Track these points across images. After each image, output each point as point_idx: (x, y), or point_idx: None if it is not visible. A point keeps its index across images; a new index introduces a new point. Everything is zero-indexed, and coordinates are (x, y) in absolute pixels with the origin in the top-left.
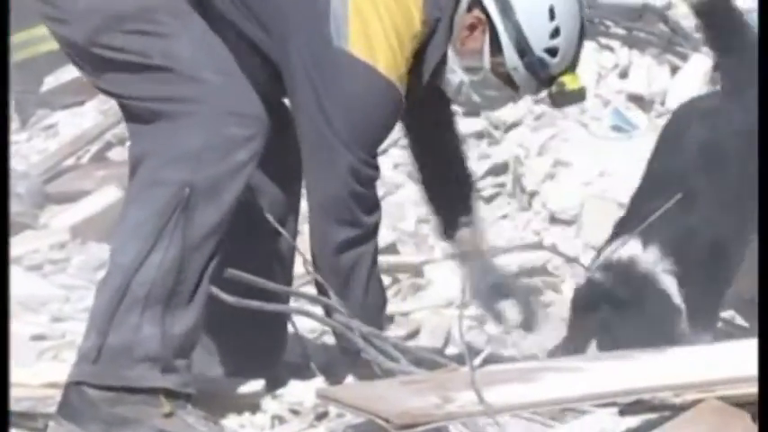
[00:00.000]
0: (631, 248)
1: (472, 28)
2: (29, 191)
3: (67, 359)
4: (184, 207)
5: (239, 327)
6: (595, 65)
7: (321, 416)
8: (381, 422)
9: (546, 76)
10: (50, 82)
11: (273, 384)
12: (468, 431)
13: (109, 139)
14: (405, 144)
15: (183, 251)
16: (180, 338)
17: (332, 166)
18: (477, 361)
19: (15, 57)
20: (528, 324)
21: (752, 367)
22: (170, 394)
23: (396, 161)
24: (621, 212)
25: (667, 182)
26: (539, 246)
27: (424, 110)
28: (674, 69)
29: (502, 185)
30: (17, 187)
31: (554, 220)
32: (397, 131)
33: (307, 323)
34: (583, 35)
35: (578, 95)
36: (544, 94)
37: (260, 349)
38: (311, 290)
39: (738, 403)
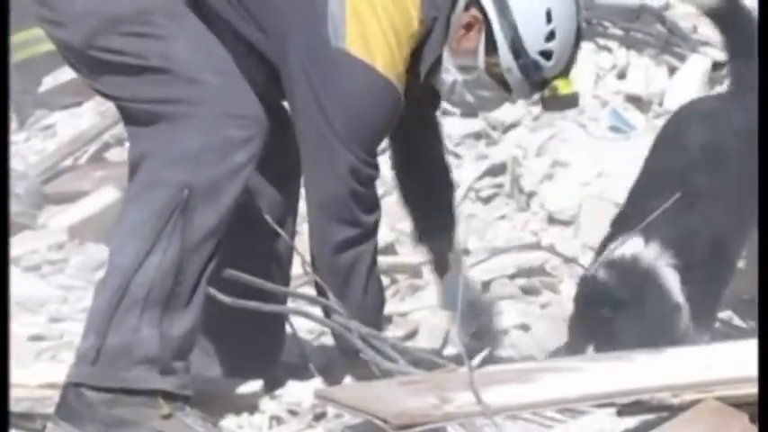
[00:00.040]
0: (633, 246)
1: (468, 27)
2: (27, 191)
3: (65, 360)
4: (183, 208)
5: (237, 328)
6: (593, 65)
7: (319, 416)
8: (379, 422)
9: (539, 79)
10: (49, 82)
11: (272, 385)
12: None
13: (107, 140)
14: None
15: (182, 252)
16: (178, 340)
17: (331, 165)
18: (476, 362)
19: (14, 57)
20: (488, 341)
21: (750, 368)
22: (168, 396)
23: None
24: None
25: (667, 180)
26: (537, 246)
27: (409, 111)
28: (672, 70)
29: (500, 186)
30: (15, 187)
31: (552, 220)
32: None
33: (305, 324)
34: (579, 40)
35: (571, 101)
36: (537, 97)
37: (258, 350)
38: (309, 290)
39: (736, 404)
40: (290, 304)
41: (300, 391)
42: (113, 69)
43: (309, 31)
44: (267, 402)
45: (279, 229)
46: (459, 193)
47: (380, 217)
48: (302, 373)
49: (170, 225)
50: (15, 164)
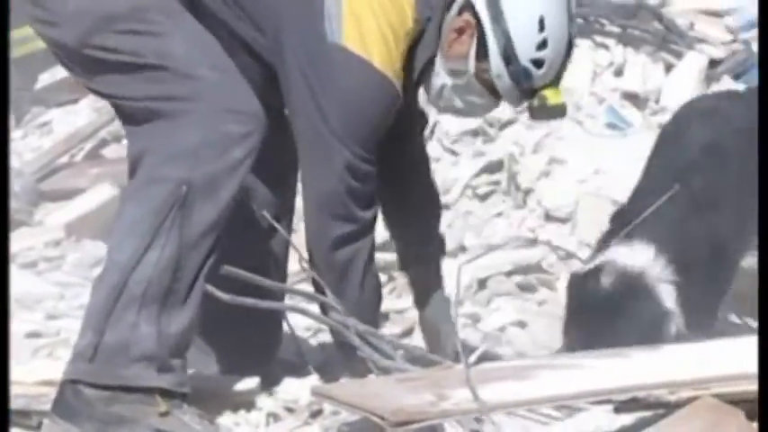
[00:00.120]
0: (627, 251)
1: (461, 31)
2: (23, 188)
3: (62, 357)
4: (182, 205)
5: (234, 325)
6: (590, 62)
7: (316, 413)
8: (376, 419)
9: (528, 87)
10: (45, 79)
11: (269, 382)
12: (464, 428)
13: (103, 137)
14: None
15: (180, 249)
16: (176, 337)
17: (328, 162)
18: (472, 358)
19: (10, 54)
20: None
21: (746, 365)
22: (166, 393)
23: None
24: (616, 210)
25: (667, 182)
26: (534, 241)
27: (396, 132)
28: (669, 67)
29: (497, 183)
30: (12, 185)
31: (549, 217)
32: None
33: (302, 321)
34: (570, 51)
35: (559, 111)
36: (525, 105)
37: (255, 347)
38: (306, 287)
39: (733, 401)
40: (288, 301)
41: (297, 389)
42: (109, 68)
43: (306, 28)
44: (264, 399)
45: (276, 225)
46: (455, 191)
47: (377, 213)
48: (299, 371)
49: (168, 221)
50: (12, 161)
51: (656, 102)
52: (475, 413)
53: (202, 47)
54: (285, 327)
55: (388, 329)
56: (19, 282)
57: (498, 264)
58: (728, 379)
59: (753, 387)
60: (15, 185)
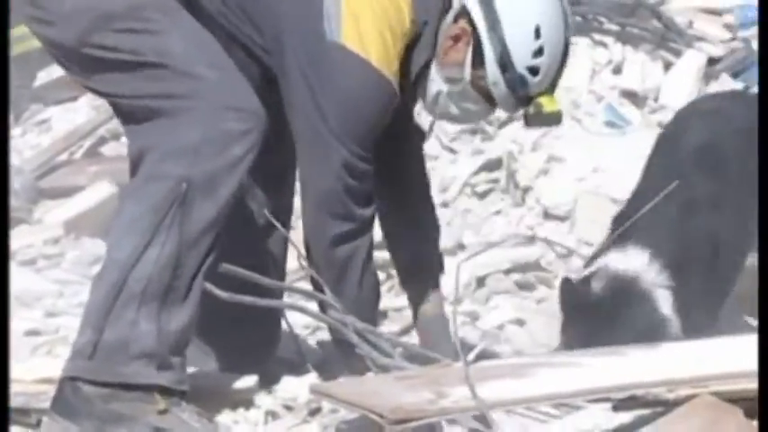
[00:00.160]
0: (621, 256)
1: (456, 39)
2: (22, 186)
3: (61, 354)
4: (181, 202)
5: (233, 323)
6: (589, 61)
7: (314, 411)
8: (375, 417)
9: (524, 95)
10: (43, 77)
11: (267, 380)
12: (463, 427)
13: (102, 135)
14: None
15: (180, 247)
16: (176, 335)
17: (326, 160)
18: (471, 356)
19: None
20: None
21: (745, 363)
22: (165, 391)
23: None
24: (615, 208)
25: (666, 185)
26: (533, 237)
27: (395, 145)
28: (668, 65)
29: (495, 181)
30: (11, 182)
31: (547, 215)
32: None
33: (301, 319)
34: (565, 58)
35: (554, 118)
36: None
37: (254, 345)
38: (305, 285)
39: (732, 399)
40: (286, 299)
41: (296, 387)
42: (107, 66)
43: (305, 27)
44: (263, 397)
45: (276, 223)
46: (454, 189)
47: (375, 212)
48: (298, 369)
49: (168, 219)
50: (11, 159)
51: (655, 100)
52: (473, 411)
53: (201, 45)
54: (284, 325)
55: (387, 327)
56: (18, 279)
57: (497, 262)
58: (727, 377)
59: (752, 385)
60: (15, 183)
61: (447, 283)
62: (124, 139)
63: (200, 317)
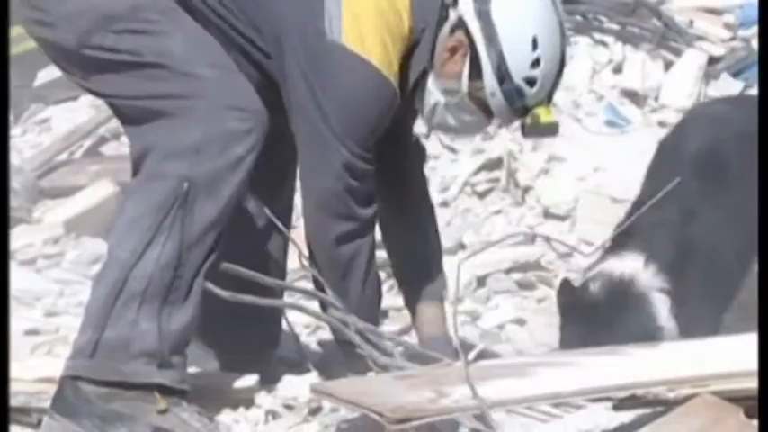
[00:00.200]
0: (617, 260)
1: (453, 51)
2: (23, 185)
3: (62, 354)
4: (183, 202)
5: (234, 322)
6: (589, 60)
7: (315, 411)
8: (376, 417)
9: (521, 106)
10: (44, 77)
11: (268, 379)
12: (464, 426)
13: (102, 134)
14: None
15: (182, 246)
16: (177, 334)
17: (327, 161)
18: (471, 356)
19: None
20: None
21: (745, 362)
22: (165, 390)
23: None
24: (616, 207)
25: (667, 193)
26: (533, 235)
27: (395, 166)
28: (668, 65)
29: (496, 180)
30: (11, 182)
31: (548, 215)
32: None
33: (301, 318)
34: (562, 69)
35: (551, 129)
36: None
37: (254, 344)
38: (306, 285)
39: (732, 398)
40: (287, 298)
41: (297, 386)
42: (107, 67)
43: (306, 27)
44: (263, 397)
45: (277, 222)
46: (454, 188)
47: (377, 211)
48: (298, 368)
49: (170, 218)
50: (11, 158)
51: (656, 99)
52: (474, 410)
53: (201, 45)
54: (284, 324)
55: (388, 327)
56: (18, 279)
57: (497, 261)
58: (728, 376)
59: (752, 384)
60: (15, 182)
61: (447, 282)
62: (124, 139)
63: (202, 316)
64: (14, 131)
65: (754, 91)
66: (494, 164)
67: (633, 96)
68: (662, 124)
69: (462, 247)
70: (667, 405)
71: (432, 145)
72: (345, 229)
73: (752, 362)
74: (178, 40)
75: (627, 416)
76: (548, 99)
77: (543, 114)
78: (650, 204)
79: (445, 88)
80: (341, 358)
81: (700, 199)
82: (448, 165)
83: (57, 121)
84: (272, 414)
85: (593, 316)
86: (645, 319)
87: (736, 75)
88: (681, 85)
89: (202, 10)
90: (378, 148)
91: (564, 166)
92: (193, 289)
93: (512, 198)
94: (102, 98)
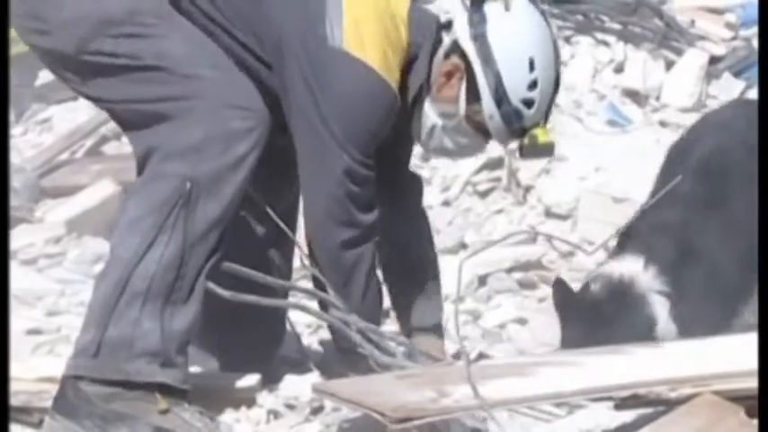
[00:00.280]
0: (616, 262)
1: (449, 75)
2: (24, 185)
3: (63, 353)
4: (185, 201)
5: (236, 321)
6: (591, 59)
7: (317, 410)
8: (377, 416)
9: (519, 127)
10: (45, 76)
11: (269, 379)
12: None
13: (104, 134)
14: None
15: (184, 246)
16: (179, 334)
17: (328, 166)
18: (473, 355)
19: (10, 51)
20: None
21: (747, 362)
22: (166, 390)
23: None
24: (617, 206)
25: (671, 201)
26: (534, 233)
27: (393, 199)
28: (670, 64)
29: (497, 180)
30: (12, 181)
31: (549, 214)
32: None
33: (303, 318)
34: (557, 90)
35: (548, 149)
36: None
37: (257, 344)
38: (308, 285)
39: (733, 398)
40: (289, 298)
41: (298, 385)
42: (107, 72)
43: (306, 32)
44: (265, 396)
45: (279, 222)
46: (456, 187)
47: (378, 217)
48: (300, 367)
49: (172, 218)
50: (12, 158)
51: (657, 99)
52: (475, 410)
53: (200, 46)
54: (286, 324)
55: (389, 327)
56: (20, 278)
57: (499, 260)
58: (729, 376)
59: (753, 384)
60: (16, 182)
61: (449, 281)
62: (126, 138)
63: (204, 316)
64: (16, 131)
65: (755, 90)
66: (495, 163)
67: (634, 96)
68: (663, 124)
69: (464, 246)
70: (669, 405)
71: None
72: (347, 235)
73: (753, 361)
74: (177, 41)
75: (628, 415)
76: (544, 119)
77: (541, 135)
78: (650, 206)
79: (442, 112)
80: (341, 361)
81: (702, 203)
82: (449, 164)
83: (58, 120)
84: (274, 414)
85: (593, 316)
86: (644, 321)
87: (737, 74)
88: (682, 85)
89: (200, 19)
90: (378, 151)
91: (565, 165)
92: (196, 289)
93: (513, 197)
94: (100, 104)
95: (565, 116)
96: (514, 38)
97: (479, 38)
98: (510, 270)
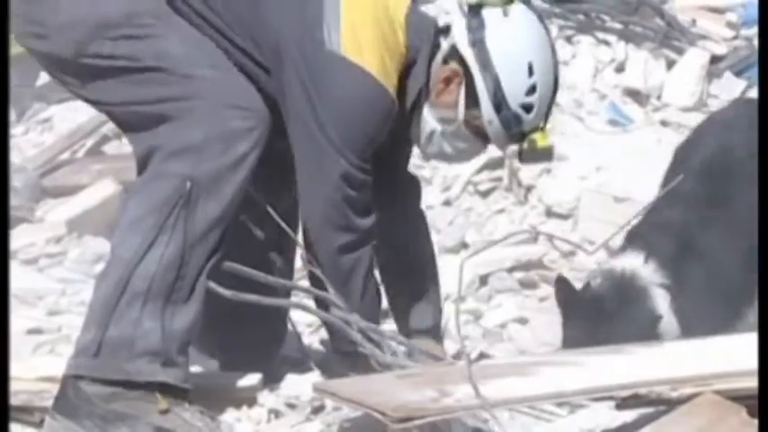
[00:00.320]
0: (628, 259)
1: (448, 81)
2: (25, 184)
3: (64, 353)
4: (186, 201)
5: (237, 321)
6: (592, 59)
7: (317, 410)
8: (378, 416)
9: (517, 132)
10: (46, 76)
11: (270, 378)
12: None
13: (105, 133)
14: None
15: (185, 245)
16: (179, 334)
17: (325, 171)
18: (474, 355)
19: (11, 50)
20: None
21: (748, 361)
22: (167, 390)
23: None
24: (618, 206)
25: (675, 200)
26: (535, 232)
27: (393, 202)
28: (671, 63)
29: (498, 180)
30: (13, 181)
31: (550, 213)
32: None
33: (304, 317)
34: (555, 93)
35: (547, 153)
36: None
37: (257, 343)
38: (309, 284)
39: (735, 397)
40: (291, 298)
41: (299, 385)
42: (106, 75)
43: (304, 37)
44: (266, 396)
45: (280, 221)
46: (457, 187)
47: (375, 221)
48: (301, 367)
49: (173, 218)
50: (13, 157)
51: (658, 98)
52: (477, 409)
53: (199, 46)
54: (287, 323)
55: (389, 327)
56: (20, 278)
57: (500, 260)
58: (730, 375)
59: (754, 383)
60: (17, 182)
61: (450, 281)
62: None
63: (205, 315)
64: (17, 130)
65: (756, 89)
66: (496, 163)
67: (636, 95)
68: (664, 123)
69: (465, 246)
70: (670, 404)
71: None
72: (345, 240)
73: (753, 361)
74: (175, 42)
75: (629, 415)
76: (543, 123)
77: (540, 139)
78: (653, 204)
79: (441, 117)
80: (339, 363)
81: (704, 203)
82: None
83: (59, 120)
84: (275, 413)
85: (596, 312)
86: (646, 314)
87: (738, 73)
88: (683, 84)
89: (198, 23)
90: (374, 184)
91: (566, 164)
92: (196, 288)
93: (514, 197)
94: (100, 106)
95: (566, 116)
96: (513, 43)
97: (478, 43)
98: (511, 270)
